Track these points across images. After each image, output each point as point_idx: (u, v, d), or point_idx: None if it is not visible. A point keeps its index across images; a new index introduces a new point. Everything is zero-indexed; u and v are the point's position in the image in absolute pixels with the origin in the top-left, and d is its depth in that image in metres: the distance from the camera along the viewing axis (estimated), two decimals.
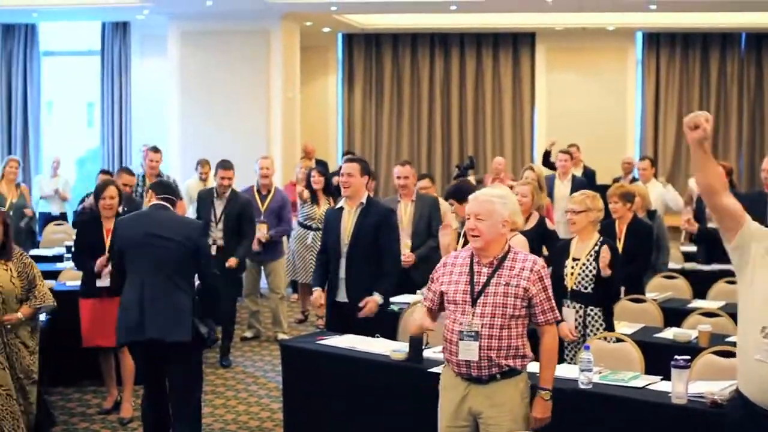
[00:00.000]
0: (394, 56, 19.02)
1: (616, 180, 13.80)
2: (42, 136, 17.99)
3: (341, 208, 7.64)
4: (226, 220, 9.97)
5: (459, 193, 7.99)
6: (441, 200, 9.52)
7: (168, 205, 6.67)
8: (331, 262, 7.68)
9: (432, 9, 15.95)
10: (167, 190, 6.84)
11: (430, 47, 18.88)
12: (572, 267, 6.93)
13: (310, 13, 15.76)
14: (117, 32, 17.40)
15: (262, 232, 10.54)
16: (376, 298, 7.42)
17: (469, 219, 5.07)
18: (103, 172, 11.46)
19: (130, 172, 10.68)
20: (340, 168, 7.85)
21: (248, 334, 11.11)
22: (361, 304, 7.38)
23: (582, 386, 5.59)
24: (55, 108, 18.38)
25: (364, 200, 7.57)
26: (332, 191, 11.49)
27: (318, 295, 7.77)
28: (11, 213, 11.24)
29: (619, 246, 8.02)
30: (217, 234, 9.97)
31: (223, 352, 10.04)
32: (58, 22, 17.89)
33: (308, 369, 6.85)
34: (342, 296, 7.59)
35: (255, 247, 10.40)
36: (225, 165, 10.14)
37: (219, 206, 10.04)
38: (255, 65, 15.29)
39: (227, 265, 9.70)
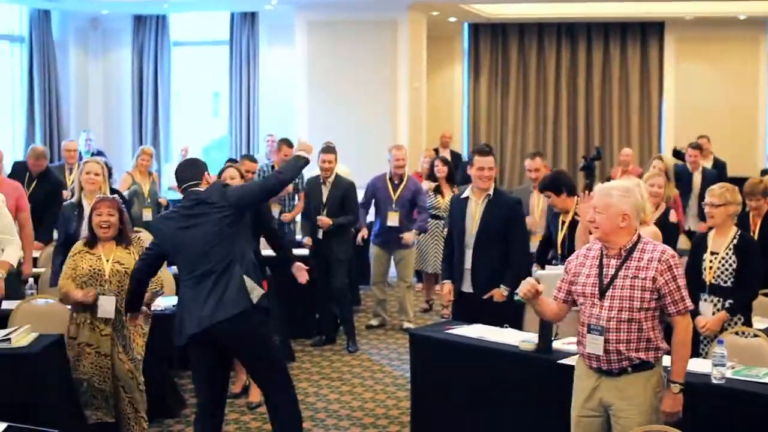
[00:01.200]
0: (520, 46, 18.93)
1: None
2: (171, 125, 18.34)
3: (467, 198, 7.58)
4: (330, 204, 10.01)
5: (554, 184, 7.92)
6: None
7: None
8: (455, 252, 7.66)
9: None
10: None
11: (556, 37, 18.76)
12: (710, 261, 6.79)
13: (437, 3, 15.76)
14: (245, 22, 17.63)
15: (393, 219, 10.54)
16: (502, 290, 7.38)
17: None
18: (230, 161, 11.58)
19: (253, 159, 10.78)
20: (470, 159, 7.75)
21: (374, 322, 11.15)
22: (485, 297, 7.36)
23: (714, 381, 5.46)
24: (182, 97, 18.68)
25: (491, 192, 7.52)
26: (456, 181, 11.46)
27: (448, 289, 7.75)
28: (148, 200, 11.46)
29: None
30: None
31: (348, 337, 10.12)
32: (188, 12, 18.20)
33: (436, 358, 6.82)
34: (467, 287, 7.56)
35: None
36: (327, 149, 10.18)
37: (325, 191, 10.09)
38: (382, 55, 15.35)
39: (319, 222, 9.91)
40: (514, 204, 7.71)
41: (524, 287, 5.17)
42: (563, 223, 7.99)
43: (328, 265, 9.96)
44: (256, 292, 5.94)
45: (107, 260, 6.67)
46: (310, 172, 10.08)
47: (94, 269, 6.63)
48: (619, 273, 4.93)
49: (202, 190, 6.08)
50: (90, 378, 6.63)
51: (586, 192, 7.13)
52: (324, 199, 10.03)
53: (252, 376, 6.33)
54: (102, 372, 6.62)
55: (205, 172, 6.22)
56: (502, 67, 19.04)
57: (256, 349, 6.07)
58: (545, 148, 18.37)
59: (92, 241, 6.76)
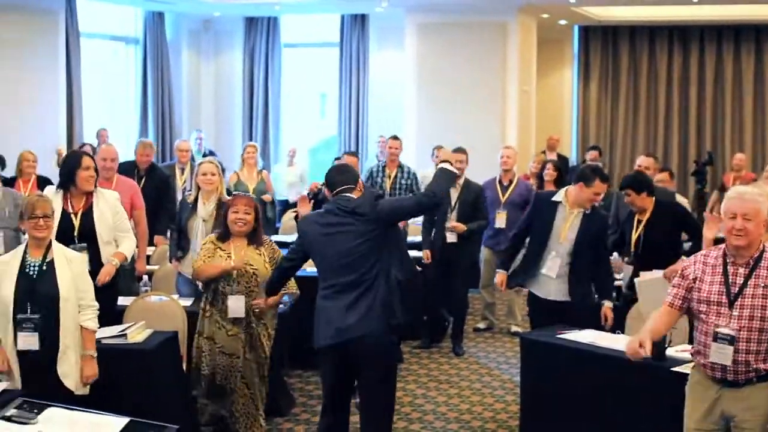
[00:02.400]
0: (631, 49, 18.71)
1: None
2: (281, 126, 18.52)
3: (558, 203, 7.49)
4: (461, 207, 9.96)
5: (636, 183, 7.81)
6: (678, 197, 9.31)
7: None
8: (532, 251, 7.60)
9: (673, 1, 15.57)
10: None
11: (668, 40, 18.49)
12: None
13: (548, 5, 15.66)
14: (355, 24, 17.73)
15: (500, 221, 10.47)
16: (609, 305, 7.36)
17: (734, 218, 4.86)
18: (337, 160, 11.67)
19: (354, 155, 10.86)
20: (588, 177, 7.54)
21: (481, 325, 11.10)
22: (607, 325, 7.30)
23: None
24: (290, 99, 18.85)
25: (589, 207, 7.46)
26: (565, 185, 11.35)
27: (502, 279, 7.83)
28: (254, 197, 11.56)
29: None
30: (451, 222, 9.98)
31: (455, 340, 10.09)
32: (299, 14, 18.35)
33: (547, 362, 6.76)
34: (544, 292, 7.51)
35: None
36: (458, 150, 10.14)
37: (454, 194, 10.04)
38: (491, 57, 15.33)
39: (451, 225, 9.83)
40: (606, 221, 7.71)
41: (632, 350, 5.03)
42: (639, 222, 7.93)
43: (450, 268, 9.91)
44: (398, 313, 5.91)
45: (235, 260, 6.74)
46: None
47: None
48: (749, 282, 4.81)
49: (354, 197, 5.98)
50: (211, 374, 6.73)
51: (712, 203, 7.02)
52: (453, 202, 9.99)
53: (361, 395, 6.19)
54: (223, 370, 6.72)
55: (359, 179, 6.17)
56: (613, 71, 18.83)
57: (382, 372, 6.02)
58: (655, 152, 18.08)
59: (224, 236, 6.85)
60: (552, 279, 7.44)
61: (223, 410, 6.83)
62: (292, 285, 6.97)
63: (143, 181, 10.04)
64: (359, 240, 5.80)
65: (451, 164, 6.08)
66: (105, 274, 6.84)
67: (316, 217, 6.13)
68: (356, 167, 10.21)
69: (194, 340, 6.91)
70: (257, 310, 6.73)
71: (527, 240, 7.83)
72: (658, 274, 7.57)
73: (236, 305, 6.68)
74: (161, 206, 9.88)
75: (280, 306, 7.32)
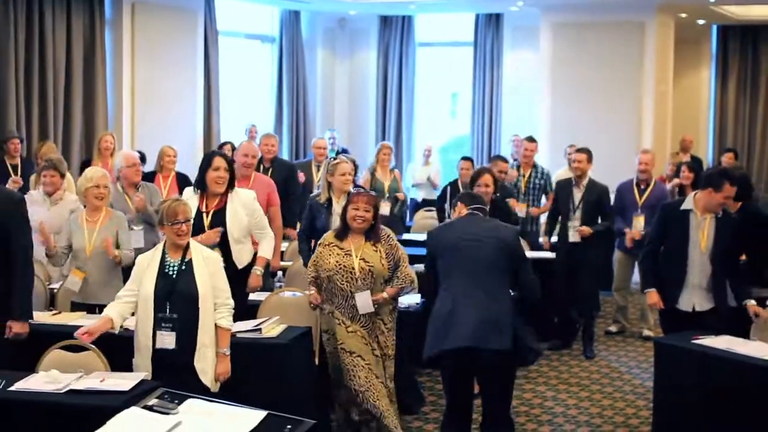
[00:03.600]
0: None
1: None
2: (414, 125, 18.58)
3: (688, 211, 7.32)
4: (584, 207, 9.87)
5: (712, 180, 7.68)
6: None
7: (479, 213, 6.52)
8: (673, 264, 7.40)
9: None
10: (476, 200, 6.65)
11: None
12: None
13: (687, 4, 15.39)
14: (490, 24, 17.69)
15: (638, 224, 10.30)
16: (752, 303, 7.22)
17: None
18: (464, 159, 11.63)
19: (504, 160, 10.83)
20: (718, 183, 7.39)
21: (613, 328, 10.98)
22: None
23: None
24: (421, 97, 18.90)
25: (720, 211, 7.31)
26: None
27: (656, 298, 7.51)
28: (387, 197, 11.63)
29: None
30: (575, 223, 9.91)
31: (585, 343, 10.01)
32: (434, 13, 18.39)
33: (682, 368, 6.67)
34: (685, 304, 7.33)
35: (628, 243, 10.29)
36: (580, 149, 10.06)
37: (577, 194, 9.96)
38: (627, 58, 15.13)
39: (576, 229, 9.77)
40: (738, 225, 7.45)
41: None
42: None
43: (577, 269, 9.85)
44: (528, 335, 6.02)
45: (355, 256, 6.81)
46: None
47: (341, 265, 6.78)
48: None
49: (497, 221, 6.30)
50: (339, 373, 6.82)
51: None
52: (576, 202, 9.92)
53: (484, 402, 6.30)
54: (350, 369, 6.77)
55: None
56: (752, 71, 18.37)
57: (504, 383, 6.09)
58: None
59: (343, 233, 6.91)
60: (698, 289, 7.28)
61: (354, 406, 6.89)
62: (409, 278, 6.99)
63: (269, 173, 10.15)
64: (489, 253, 5.99)
65: None
66: (254, 285, 7.08)
67: (452, 224, 6.35)
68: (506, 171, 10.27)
69: (320, 337, 7.03)
70: (376, 304, 6.78)
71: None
72: None
73: (364, 301, 6.75)
74: (288, 196, 9.98)
75: (410, 307, 7.37)
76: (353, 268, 6.74)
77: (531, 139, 11.38)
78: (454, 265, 6.25)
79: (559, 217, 10.08)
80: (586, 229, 9.74)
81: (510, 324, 6.03)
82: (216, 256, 6.14)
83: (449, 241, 6.33)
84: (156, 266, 5.90)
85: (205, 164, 7.21)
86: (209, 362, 5.81)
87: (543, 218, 11.17)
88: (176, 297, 5.79)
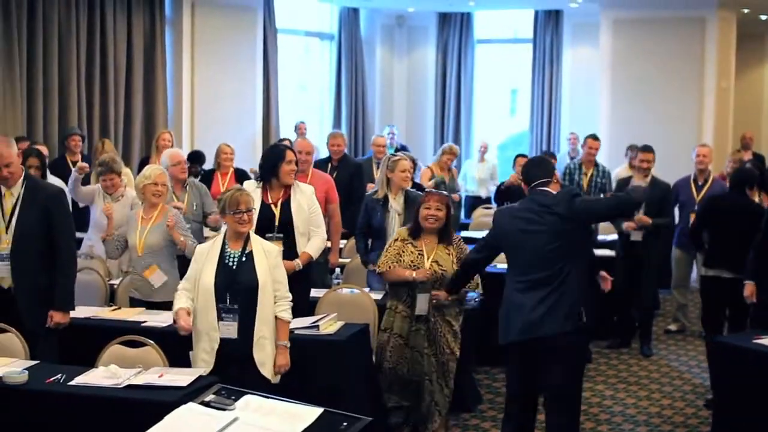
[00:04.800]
0: None
1: None
2: (473, 122, 18.55)
3: None
4: (647, 204, 9.74)
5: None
6: None
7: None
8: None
9: None
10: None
11: None
12: None
13: (749, 0, 15.21)
14: (549, 20, 17.67)
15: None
16: None
17: None
18: (520, 156, 11.58)
19: (553, 156, 10.80)
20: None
21: (673, 327, 10.88)
22: None
23: None
24: (480, 94, 18.86)
25: None
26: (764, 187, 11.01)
27: (751, 290, 7.50)
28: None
29: None
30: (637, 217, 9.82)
31: (643, 341, 9.93)
32: (493, 10, 18.36)
33: (741, 368, 6.56)
34: None
35: None
36: (645, 148, 9.95)
37: None
38: (688, 54, 15.00)
39: (637, 218, 9.58)
40: None
41: None
42: None
43: (638, 267, 9.76)
44: (584, 314, 5.89)
45: (428, 258, 6.80)
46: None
47: (414, 265, 6.78)
48: None
49: (552, 192, 6.00)
50: (395, 366, 6.82)
51: None
52: None
53: (549, 394, 6.15)
54: (407, 362, 6.79)
55: (555, 172, 6.17)
56: None
57: (571, 371, 5.99)
58: None
59: (416, 232, 6.91)
60: None
61: (404, 401, 6.90)
62: (476, 282, 6.97)
63: (336, 171, 10.16)
64: (554, 238, 5.81)
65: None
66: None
67: (513, 211, 6.15)
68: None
69: (377, 335, 7.02)
70: (434, 302, 6.77)
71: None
72: None
73: (423, 304, 6.75)
74: (355, 194, 9.98)
75: (469, 303, 7.33)
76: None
77: (595, 138, 11.29)
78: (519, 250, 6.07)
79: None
80: (646, 218, 9.61)
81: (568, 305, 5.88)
82: (276, 249, 6.15)
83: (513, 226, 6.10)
84: (216, 257, 5.92)
85: (278, 157, 7.19)
86: (268, 354, 5.83)
87: None
88: (236, 288, 5.81)
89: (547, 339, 5.80)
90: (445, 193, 7.36)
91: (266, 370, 5.81)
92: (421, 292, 6.73)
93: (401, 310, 6.82)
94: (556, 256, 5.79)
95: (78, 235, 8.18)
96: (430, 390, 6.80)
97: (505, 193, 10.49)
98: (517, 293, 5.94)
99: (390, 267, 6.87)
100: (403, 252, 6.85)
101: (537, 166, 6.21)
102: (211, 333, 5.81)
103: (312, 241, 7.31)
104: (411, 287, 6.77)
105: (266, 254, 5.93)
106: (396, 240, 7.00)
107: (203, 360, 5.82)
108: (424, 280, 6.71)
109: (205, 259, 5.94)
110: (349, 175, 10.15)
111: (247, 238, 5.95)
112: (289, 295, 5.97)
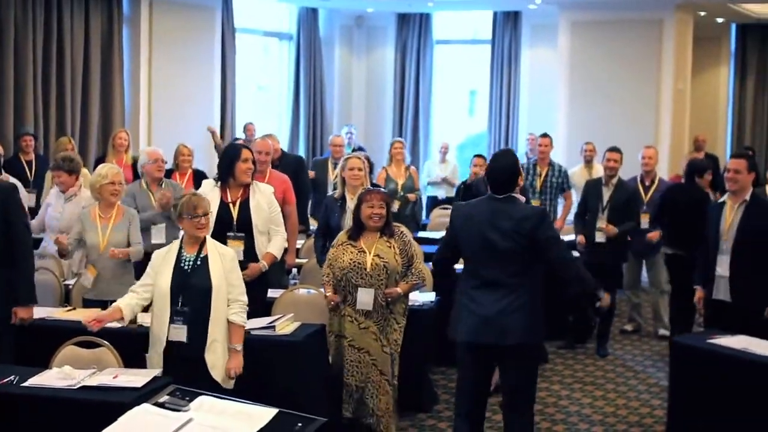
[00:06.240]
0: None
1: None
2: (432, 122, 18.59)
3: (723, 203, 7.38)
4: (612, 207, 9.79)
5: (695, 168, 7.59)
6: None
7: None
8: (708, 256, 7.41)
9: None
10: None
11: None
12: None
13: (706, 3, 15.35)
14: (508, 21, 17.73)
15: (643, 222, 10.16)
16: None
17: None
18: (477, 156, 11.57)
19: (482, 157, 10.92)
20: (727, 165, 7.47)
21: (628, 327, 10.94)
22: None
23: None
24: (440, 95, 18.91)
25: (747, 197, 7.27)
26: (720, 187, 11.12)
27: (699, 296, 7.55)
28: (400, 195, 11.46)
29: None
30: (601, 223, 9.82)
31: (600, 341, 9.97)
32: (452, 11, 18.40)
33: (698, 368, 6.60)
34: (721, 294, 7.29)
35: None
36: (613, 148, 10.00)
37: (606, 193, 9.89)
38: (645, 56, 15.12)
39: (604, 229, 9.65)
40: None
41: None
42: None
43: (599, 268, 9.74)
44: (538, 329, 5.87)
45: (369, 253, 6.80)
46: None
47: (354, 262, 6.76)
48: None
49: (519, 199, 6.00)
50: (343, 372, 6.82)
51: None
52: (605, 202, 9.85)
53: (504, 392, 6.09)
54: (353, 365, 6.77)
55: (520, 176, 6.04)
56: None
57: (527, 371, 5.97)
58: None
59: (356, 233, 6.90)
60: (723, 278, 7.31)
61: (362, 405, 6.87)
62: (423, 275, 6.98)
63: (279, 170, 10.12)
64: (513, 241, 5.73)
65: None
66: (251, 274, 6.99)
67: (471, 209, 6.04)
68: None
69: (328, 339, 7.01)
70: (389, 299, 6.76)
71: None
72: None
73: (365, 297, 6.72)
74: (303, 187, 10.01)
75: (427, 302, 7.33)
76: (364, 265, 6.73)
77: (544, 135, 11.34)
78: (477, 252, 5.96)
79: (586, 216, 9.99)
80: (612, 228, 9.63)
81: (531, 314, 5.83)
82: (232, 253, 6.14)
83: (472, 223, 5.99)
84: (172, 261, 5.93)
85: (234, 156, 7.19)
86: (219, 357, 5.83)
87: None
88: (189, 291, 5.81)
89: (500, 338, 5.75)
90: (383, 190, 7.37)
91: (217, 374, 5.81)
92: (363, 287, 6.73)
93: (345, 308, 6.82)
94: (512, 257, 5.74)
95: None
96: (387, 389, 6.78)
97: (469, 190, 10.47)
98: (470, 290, 5.88)
99: (326, 281, 6.92)
100: (344, 254, 6.83)
101: (504, 172, 5.93)
102: (163, 336, 5.82)
103: (274, 241, 7.29)
104: (352, 285, 6.75)
105: (221, 258, 5.93)
106: (334, 246, 7.00)
107: (158, 363, 5.81)
108: (330, 305, 6.83)
109: (162, 263, 5.93)
110: (293, 171, 10.11)
111: (203, 242, 5.94)
112: (245, 299, 5.96)
